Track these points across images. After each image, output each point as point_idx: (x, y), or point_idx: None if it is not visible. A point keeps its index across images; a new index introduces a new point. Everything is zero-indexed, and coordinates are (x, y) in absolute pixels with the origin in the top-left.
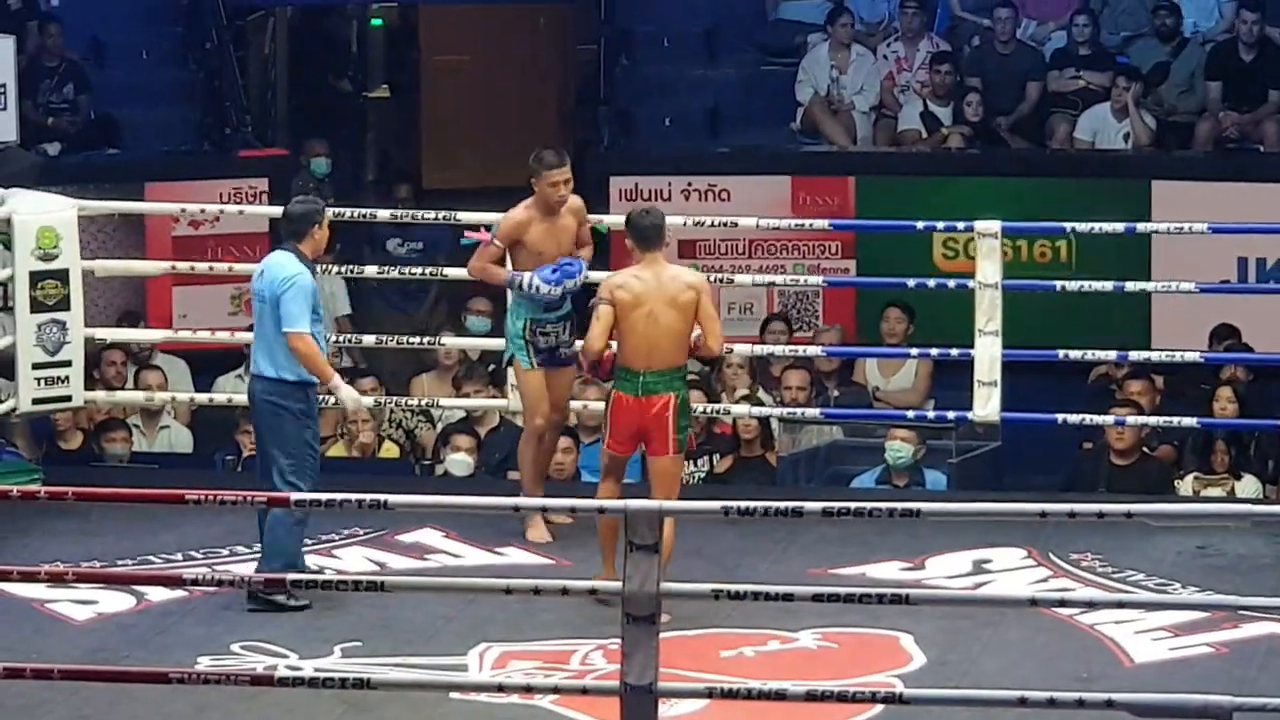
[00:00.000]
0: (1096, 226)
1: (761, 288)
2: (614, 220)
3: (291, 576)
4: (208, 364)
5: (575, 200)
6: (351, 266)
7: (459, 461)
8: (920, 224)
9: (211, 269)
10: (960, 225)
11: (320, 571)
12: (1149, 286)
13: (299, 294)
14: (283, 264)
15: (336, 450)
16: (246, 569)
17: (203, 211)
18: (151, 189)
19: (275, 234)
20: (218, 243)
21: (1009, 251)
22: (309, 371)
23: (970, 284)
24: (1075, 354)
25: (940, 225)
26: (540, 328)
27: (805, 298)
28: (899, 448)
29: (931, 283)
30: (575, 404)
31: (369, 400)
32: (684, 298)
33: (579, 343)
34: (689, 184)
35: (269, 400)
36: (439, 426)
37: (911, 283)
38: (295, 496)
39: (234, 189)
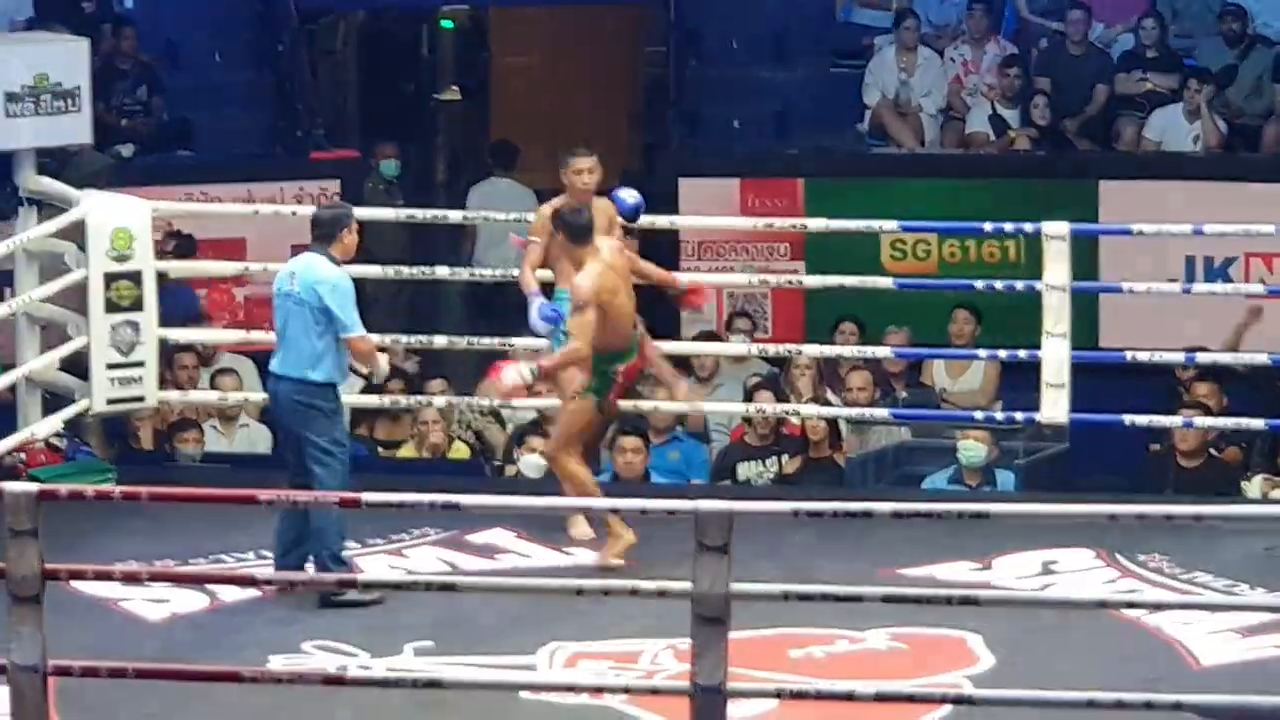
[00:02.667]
0: (1163, 228)
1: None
2: (685, 223)
3: (364, 578)
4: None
5: (604, 202)
6: (423, 269)
7: (532, 463)
8: (988, 225)
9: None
10: (1028, 227)
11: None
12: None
13: (347, 298)
14: (316, 267)
15: (407, 451)
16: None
17: (275, 212)
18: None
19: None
20: None
21: (957, 252)
22: (367, 368)
23: (1038, 286)
24: (1144, 355)
25: (1008, 227)
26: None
27: (754, 299)
28: (972, 448)
29: (999, 284)
30: (645, 405)
31: (440, 400)
32: (625, 265)
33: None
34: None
35: (297, 400)
36: (509, 427)
37: (979, 284)
38: (367, 497)
39: (300, 191)
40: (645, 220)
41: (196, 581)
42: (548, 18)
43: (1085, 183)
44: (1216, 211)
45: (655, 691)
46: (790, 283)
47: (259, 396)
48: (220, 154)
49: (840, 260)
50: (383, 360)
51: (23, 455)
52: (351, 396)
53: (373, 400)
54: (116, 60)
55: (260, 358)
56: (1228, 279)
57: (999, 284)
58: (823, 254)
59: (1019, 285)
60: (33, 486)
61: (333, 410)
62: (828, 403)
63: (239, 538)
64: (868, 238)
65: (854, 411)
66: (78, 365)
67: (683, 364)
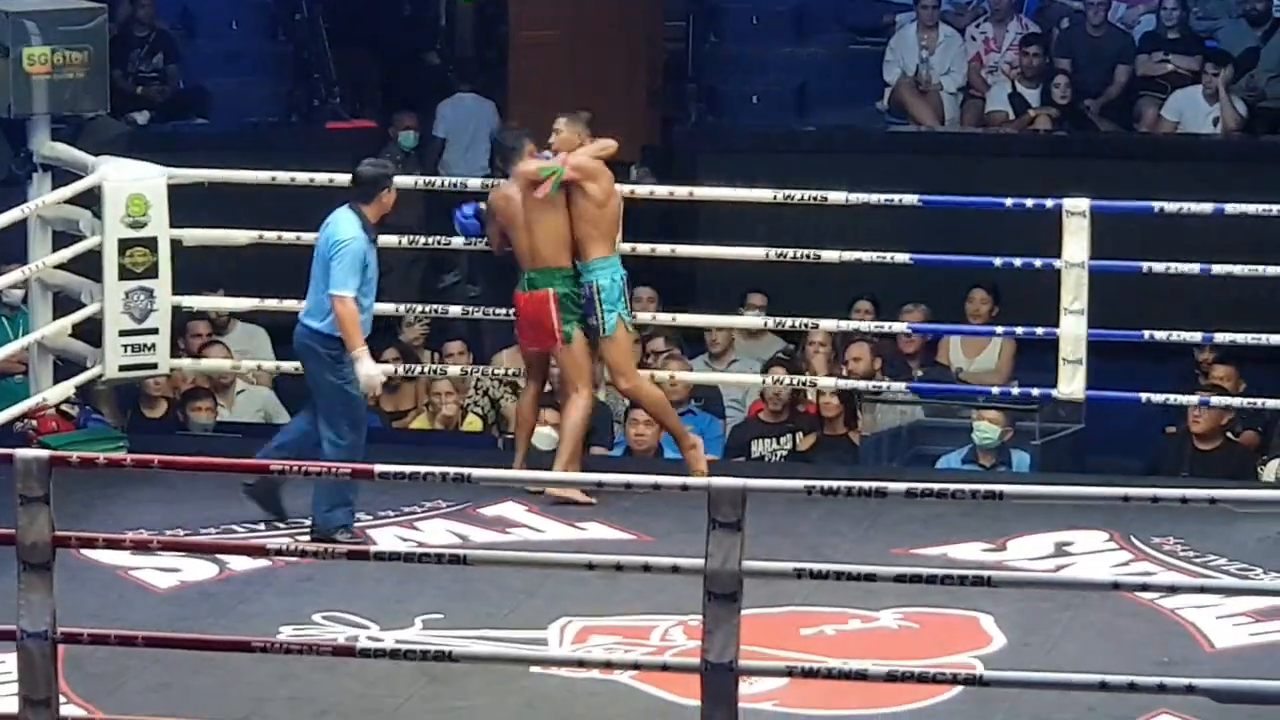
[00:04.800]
0: (1185, 207)
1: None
2: (702, 193)
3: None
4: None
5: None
6: (439, 238)
7: (543, 435)
8: (1009, 201)
9: (299, 238)
10: (1048, 203)
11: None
12: (1236, 270)
13: (349, 257)
14: (340, 224)
15: (420, 422)
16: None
17: (292, 180)
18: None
19: None
20: None
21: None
22: (340, 333)
23: (1056, 264)
24: (1161, 335)
25: (1029, 203)
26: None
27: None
28: (986, 429)
29: (1018, 262)
30: (661, 375)
31: (455, 370)
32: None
33: None
34: None
35: (310, 347)
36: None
37: (998, 262)
38: (379, 469)
39: None
40: (662, 190)
41: (207, 550)
42: None
43: (1104, 163)
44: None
45: (665, 668)
46: (806, 257)
47: (271, 364)
48: (236, 122)
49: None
50: (365, 366)
51: (34, 422)
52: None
53: (387, 369)
54: (133, 27)
55: (274, 325)
56: None
57: (1017, 261)
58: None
59: (1037, 263)
60: (44, 453)
61: (334, 359)
62: (838, 375)
63: (250, 507)
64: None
65: (871, 384)
66: (90, 332)
67: (696, 338)
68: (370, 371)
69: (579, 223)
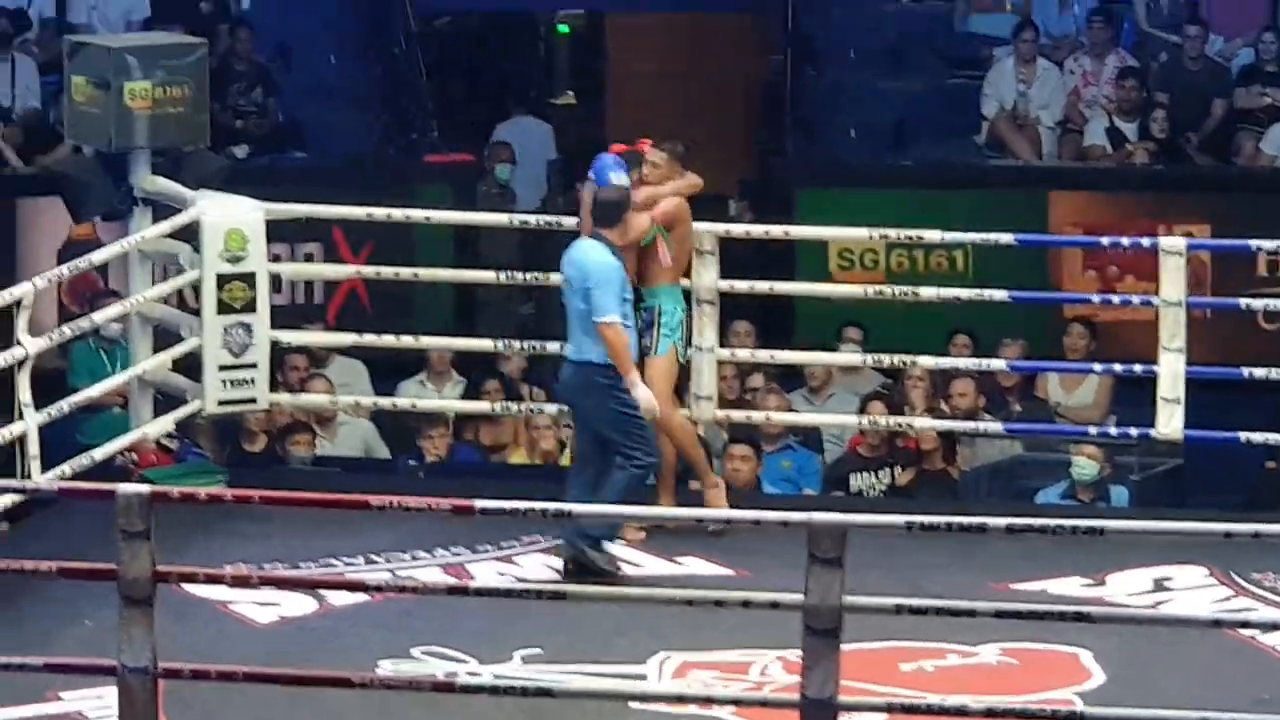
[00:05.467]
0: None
1: None
2: (799, 232)
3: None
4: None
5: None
6: (537, 275)
7: None
8: (1105, 239)
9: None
10: (1145, 241)
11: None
12: None
13: (608, 284)
14: (589, 254)
15: (518, 456)
16: (428, 573)
17: (389, 216)
18: None
19: None
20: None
21: (905, 261)
22: (612, 359)
23: (1155, 301)
24: (1260, 372)
25: (1125, 241)
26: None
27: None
28: (1085, 464)
29: (1116, 299)
30: (757, 415)
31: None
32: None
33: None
34: None
35: (589, 380)
36: None
37: (1096, 298)
38: (480, 505)
39: None
40: (759, 230)
41: (306, 586)
42: (665, 24)
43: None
44: None
45: (765, 703)
46: (905, 294)
47: (369, 399)
48: (334, 155)
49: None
50: (643, 392)
51: (134, 455)
52: (457, 401)
53: (484, 406)
54: (232, 61)
55: (373, 360)
56: None
57: (1115, 298)
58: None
59: (1135, 300)
60: (145, 488)
61: (614, 386)
62: (942, 414)
63: (349, 542)
64: (816, 246)
65: (967, 425)
66: (191, 366)
67: (795, 373)
68: (647, 396)
69: (651, 252)
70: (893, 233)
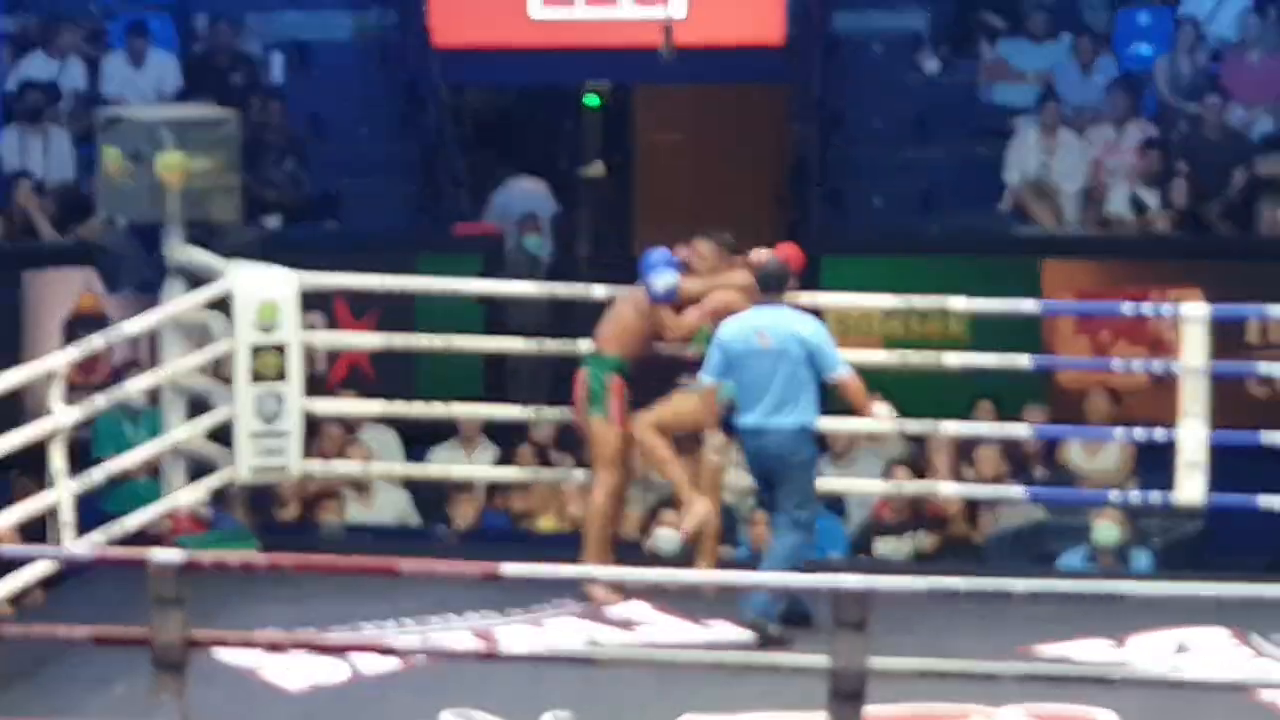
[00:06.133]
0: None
1: None
2: (826, 300)
3: (504, 649)
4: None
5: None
6: (565, 341)
7: (666, 536)
8: (1127, 305)
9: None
10: (1166, 308)
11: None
12: None
13: (828, 339)
14: (791, 318)
15: (547, 523)
16: (457, 637)
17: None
18: None
19: None
20: None
21: (898, 328)
22: (856, 404)
23: (1175, 367)
24: None
25: (1147, 307)
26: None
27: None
28: (1107, 529)
29: (1137, 365)
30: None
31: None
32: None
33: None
34: None
35: (799, 443)
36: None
37: (1118, 365)
38: (505, 569)
39: None
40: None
41: (338, 650)
42: (693, 95)
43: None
44: None
45: None
46: (931, 362)
47: (402, 467)
48: (366, 226)
49: None
50: (881, 408)
51: (168, 523)
52: (488, 469)
53: (511, 472)
54: (264, 132)
55: (403, 428)
56: None
57: (1137, 364)
58: None
59: (1156, 366)
60: (177, 555)
61: (812, 446)
62: (966, 479)
63: (379, 607)
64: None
65: (991, 490)
66: (223, 434)
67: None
68: (885, 410)
69: (658, 331)
70: (918, 300)
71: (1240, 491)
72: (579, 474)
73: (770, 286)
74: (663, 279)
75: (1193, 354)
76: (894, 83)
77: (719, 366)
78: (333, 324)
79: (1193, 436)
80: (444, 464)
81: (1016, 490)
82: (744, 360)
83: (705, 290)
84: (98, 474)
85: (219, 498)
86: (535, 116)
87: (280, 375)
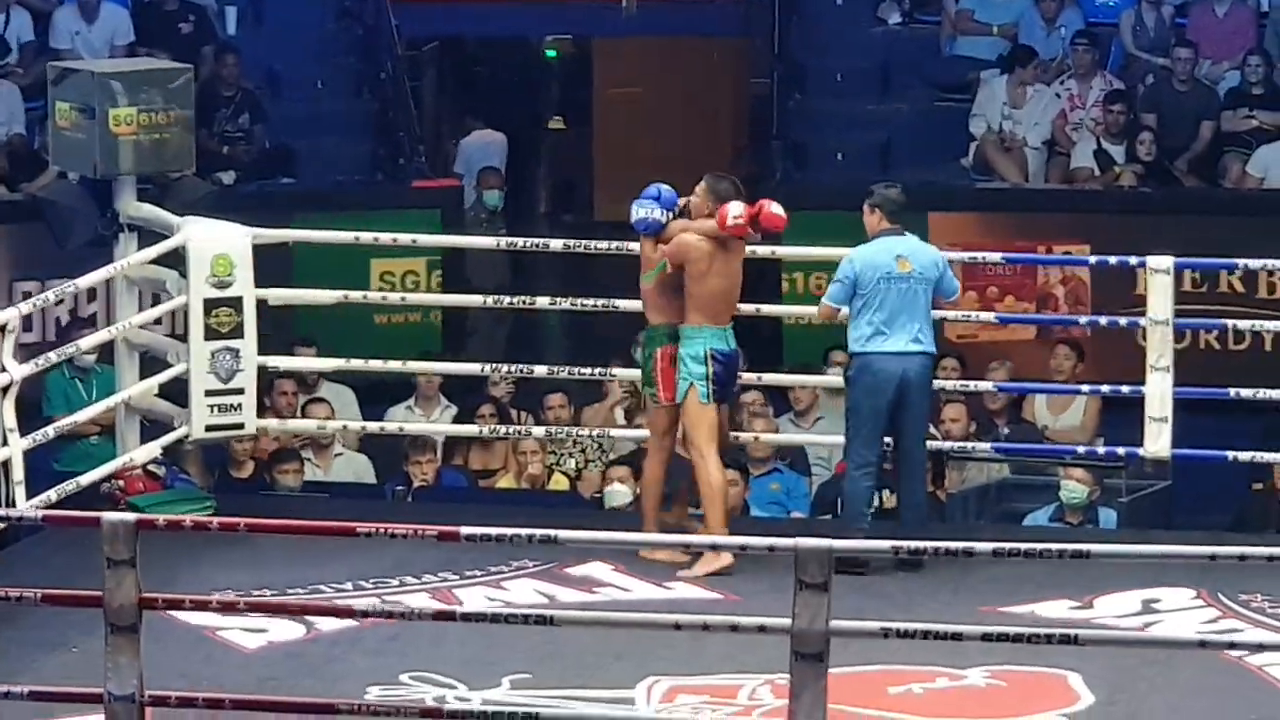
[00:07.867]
0: (1269, 263)
1: None
2: (786, 252)
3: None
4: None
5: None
6: (524, 298)
7: (617, 492)
8: (1093, 258)
9: (385, 298)
10: (1133, 260)
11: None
12: None
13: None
14: (917, 245)
15: (506, 481)
16: (416, 599)
17: (375, 239)
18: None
19: None
20: None
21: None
22: None
23: (1141, 321)
24: (1247, 393)
25: (1113, 260)
26: (718, 357)
27: None
28: (1074, 488)
29: (1103, 320)
30: (745, 435)
31: (539, 430)
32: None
33: None
34: None
35: (931, 371)
36: (607, 458)
37: (1083, 320)
38: (465, 531)
39: None
40: (747, 249)
41: (294, 612)
42: (652, 49)
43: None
44: None
45: None
46: None
47: (358, 424)
48: (322, 181)
49: None
50: None
51: (120, 482)
52: (448, 425)
53: (472, 429)
54: (219, 87)
55: (359, 385)
56: None
57: (1103, 319)
58: None
59: (1122, 321)
60: (130, 516)
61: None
62: (932, 437)
63: (336, 568)
64: (801, 268)
65: (957, 445)
66: (177, 392)
67: (780, 395)
68: None
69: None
70: None
71: (1203, 448)
72: (538, 431)
73: (898, 216)
74: (637, 211)
75: (1158, 307)
76: (855, 35)
77: (843, 293)
78: None
79: (1158, 390)
80: (401, 421)
81: (982, 445)
82: (883, 286)
83: (675, 233)
84: (50, 431)
85: (174, 457)
86: (493, 70)
87: (235, 331)
